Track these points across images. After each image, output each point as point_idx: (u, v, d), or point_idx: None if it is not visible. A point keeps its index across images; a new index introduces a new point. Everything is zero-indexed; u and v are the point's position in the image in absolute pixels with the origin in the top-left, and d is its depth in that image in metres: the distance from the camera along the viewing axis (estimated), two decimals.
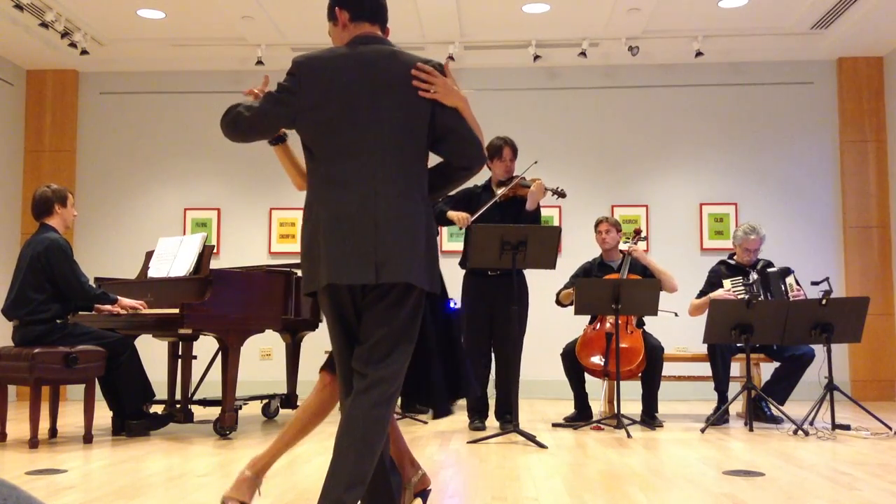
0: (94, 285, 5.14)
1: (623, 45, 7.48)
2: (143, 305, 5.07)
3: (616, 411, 5.26)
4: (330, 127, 2.37)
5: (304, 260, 2.40)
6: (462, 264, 5.40)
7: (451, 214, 5.23)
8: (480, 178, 5.67)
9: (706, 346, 5.68)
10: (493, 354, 5.34)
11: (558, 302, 5.86)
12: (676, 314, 5.83)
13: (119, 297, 5.02)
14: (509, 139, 5.39)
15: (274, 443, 2.75)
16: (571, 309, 5.38)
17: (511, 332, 5.05)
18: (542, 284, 6.24)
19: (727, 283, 5.83)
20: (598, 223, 5.98)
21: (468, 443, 4.66)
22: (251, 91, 2.62)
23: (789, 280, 5.76)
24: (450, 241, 7.71)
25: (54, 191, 5.00)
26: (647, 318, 5.77)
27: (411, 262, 2.33)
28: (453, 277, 5.53)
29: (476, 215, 5.17)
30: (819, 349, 5.35)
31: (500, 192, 5.28)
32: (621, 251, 5.92)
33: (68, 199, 5.03)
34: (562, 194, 5.28)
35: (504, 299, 5.13)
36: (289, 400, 6.05)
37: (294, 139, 2.58)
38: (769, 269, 5.85)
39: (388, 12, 2.61)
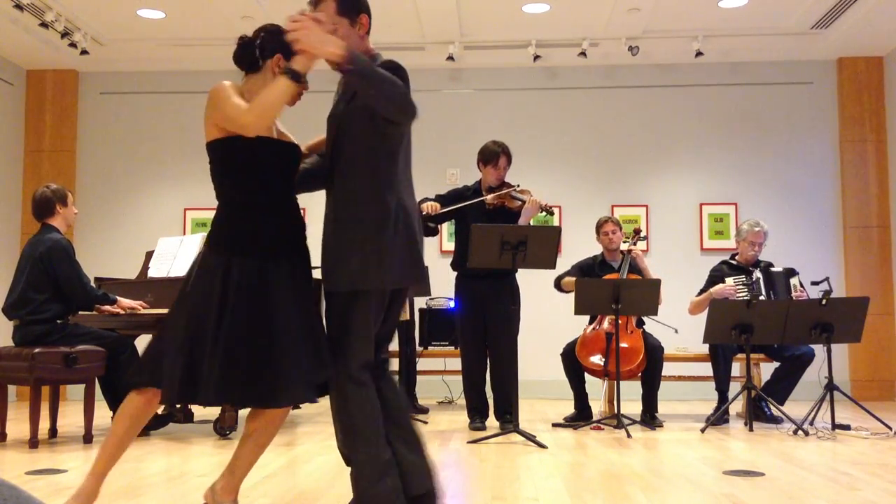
0: (94, 286, 5.15)
1: (623, 45, 7.48)
2: (142, 306, 5.07)
3: (616, 411, 5.26)
4: (407, 137, 2.70)
5: (399, 253, 2.56)
6: (454, 266, 5.40)
7: (423, 205, 5.22)
8: (470, 179, 5.70)
9: (707, 345, 5.69)
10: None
11: (558, 287, 5.84)
12: (676, 331, 5.81)
13: (118, 298, 5.03)
14: (506, 147, 5.36)
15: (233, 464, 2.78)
16: (571, 309, 5.38)
17: (506, 333, 5.06)
18: (542, 285, 6.25)
19: (729, 280, 5.83)
20: (602, 223, 5.96)
21: (468, 443, 4.66)
22: (318, 18, 2.44)
23: (793, 281, 5.76)
24: (449, 241, 7.70)
25: (54, 191, 5.00)
26: (646, 318, 5.77)
27: None
28: (452, 278, 5.54)
29: (449, 208, 5.17)
30: (819, 349, 5.35)
31: (489, 197, 5.27)
32: (620, 251, 5.93)
33: (68, 198, 5.02)
34: (549, 212, 5.27)
35: (496, 300, 5.14)
36: None
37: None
38: (774, 269, 5.86)
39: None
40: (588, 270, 5.87)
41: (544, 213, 5.26)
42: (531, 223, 5.31)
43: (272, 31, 2.68)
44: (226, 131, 2.56)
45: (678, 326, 6.07)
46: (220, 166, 2.63)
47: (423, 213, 5.18)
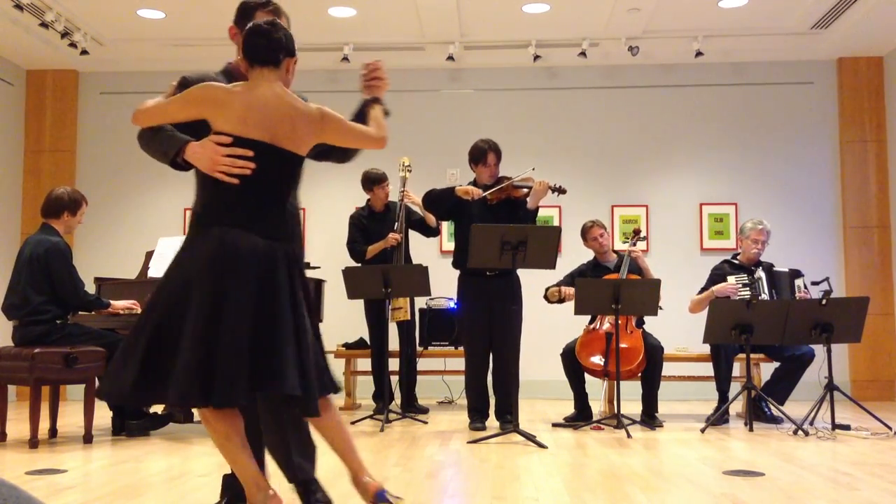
0: (89, 290, 5.15)
1: (623, 45, 7.48)
2: (135, 305, 5.08)
3: (616, 411, 5.26)
4: None
5: None
6: (455, 264, 5.40)
7: (460, 190, 5.24)
8: (466, 179, 5.70)
9: (709, 345, 5.68)
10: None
11: (546, 297, 5.86)
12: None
13: (111, 302, 5.05)
14: (493, 143, 5.37)
15: None
16: (571, 309, 5.38)
17: (510, 332, 5.05)
18: (542, 285, 6.24)
19: (731, 278, 5.83)
20: (587, 229, 5.94)
21: (468, 443, 4.66)
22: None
23: (798, 282, 5.75)
24: (449, 241, 7.70)
25: (70, 196, 5.00)
26: (647, 318, 5.77)
27: None
28: (454, 278, 5.54)
29: (490, 191, 5.22)
30: (819, 349, 5.35)
31: (488, 194, 5.27)
32: (616, 251, 5.93)
33: (80, 208, 5.04)
34: (562, 191, 5.27)
35: (501, 299, 5.12)
36: None
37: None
38: (778, 269, 5.85)
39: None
40: (583, 276, 5.85)
41: (556, 193, 5.25)
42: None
43: (289, 32, 2.70)
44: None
45: (678, 326, 6.08)
46: (298, 178, 2.70)
47: (470, 197, 5.20)
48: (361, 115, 2.86)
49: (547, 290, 5.85)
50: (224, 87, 2.57)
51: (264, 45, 2.60)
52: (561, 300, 5.74)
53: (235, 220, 2.50)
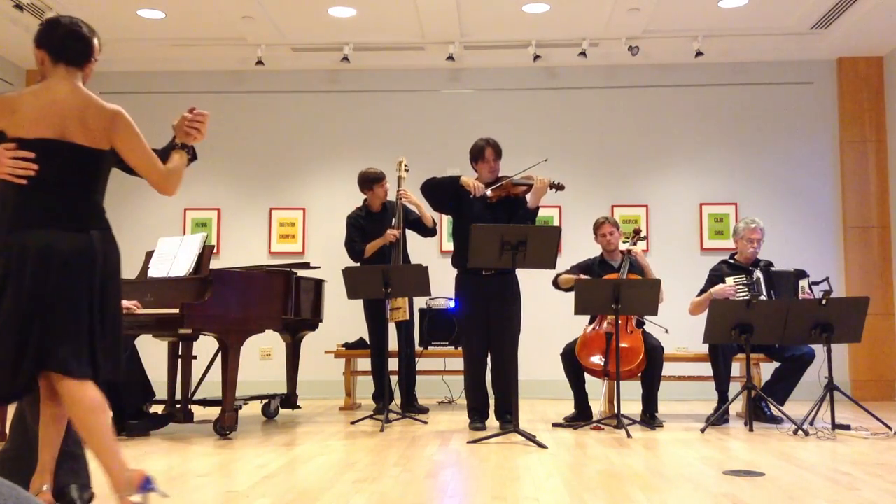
0: None
1: (623, 45, 7.48)
2: (136, 306, 5.07)
3: (616, 411, 5.26)
4: None
5: None
6: (455, 263, 5.40)
7: (466, 180, 5.23)
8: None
9: (707, 346, 5.68)
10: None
11: (556, 285, 5.84)
12: (667, 331, 5.69)
13: None
14: (492, 140, 5.37)
15: None
16: (571, 309, 5.37)
17: (508, 332, 5.05)
18: (541, 284, 6.25)
19: (729, 280, 5.83)
20: (599, 225, 5.96)
21: (468, 443, 4.66)
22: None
23: (802, 283, 5.74)
24: (450, 241, 7.70)
25: None
26: (646, 318, 5.77)
27: None
28: (452, 278, 5.54)
29: (491, 188, 5.20)
30: (819, 349, 5.35)
31: (489, 192, 5.26)
32: (620, 251, 5.93)
33: None
34: (560, 187, 5.26)
35: (499, 299, 5.12)
36: (289, 400, 6.04)
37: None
38: (777, 269, 5.85)
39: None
40: (587, 271, 5.87)
41: (555, 190, 5.25)
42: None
43: (95, 33, 2.81)
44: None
45: (677, 326, 6.06)
46: (101, 171, 2.87)
47: (473, 190, 5.17)
48: (165, 153, 2.87)
49: (558, 276, 5.83)
50: (9, 94, 2.65)
51: (81, 48, 2.73)
52: (573, 288, 5.71)
53: (31, 220, 2.62)
